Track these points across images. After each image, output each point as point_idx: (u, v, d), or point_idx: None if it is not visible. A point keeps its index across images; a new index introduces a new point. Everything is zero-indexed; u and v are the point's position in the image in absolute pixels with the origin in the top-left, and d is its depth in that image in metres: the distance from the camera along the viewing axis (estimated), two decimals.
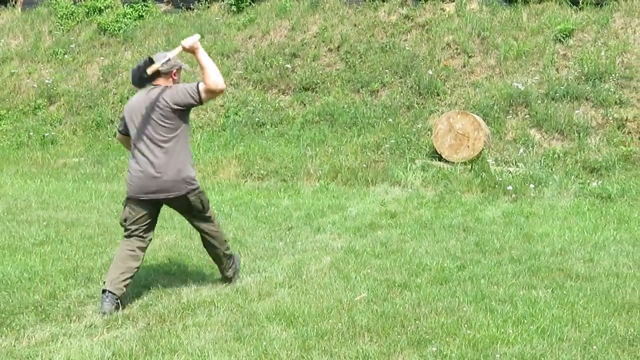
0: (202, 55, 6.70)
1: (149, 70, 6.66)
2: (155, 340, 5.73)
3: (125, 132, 7.01)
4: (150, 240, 7.04)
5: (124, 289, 6.67)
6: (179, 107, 6.66)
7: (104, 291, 6.57)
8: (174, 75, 6.90)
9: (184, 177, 6.72)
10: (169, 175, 6.66)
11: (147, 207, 6.82)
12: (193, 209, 6.91)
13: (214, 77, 6.61)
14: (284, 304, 6.58)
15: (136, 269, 6.84)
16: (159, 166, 6.65)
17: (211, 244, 7.14)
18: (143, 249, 6.94)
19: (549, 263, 7.98)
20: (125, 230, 6.90)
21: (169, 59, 6.73)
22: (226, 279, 7.35)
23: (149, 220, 6.91)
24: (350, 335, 5.77)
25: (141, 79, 6.75)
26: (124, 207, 6.90)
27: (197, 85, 6.68)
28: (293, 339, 5.70)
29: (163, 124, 6.66)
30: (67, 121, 17.83)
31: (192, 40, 6.73)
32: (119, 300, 6.57)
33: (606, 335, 5.71)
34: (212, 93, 6.72)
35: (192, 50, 6.70)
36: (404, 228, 9.87)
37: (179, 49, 6.79)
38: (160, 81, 6.79)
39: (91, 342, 5.72)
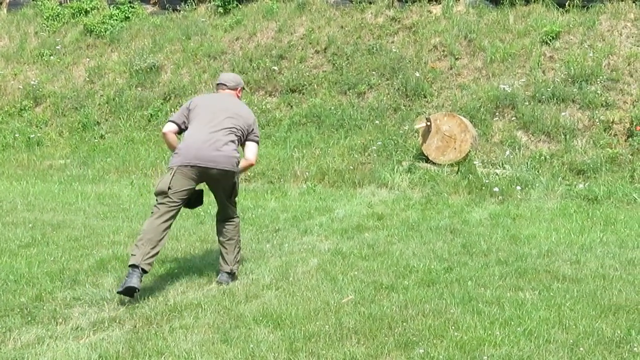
0: None
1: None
2: (142, 342, 5.71)
3: (181, 125, 7.40)
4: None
5: (151, 266, 6.94)
6: (247, 131, 7.50)
7: (133, 266, 6.75)
8: (239, 92, 7.81)
9: (237, 158, 7.31)
10: (226, 153, 7.19)
11: (194, 179, 7.17)
12: (234, 191, 7.53)
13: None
14: (271, 306, 6.57)
15: (162, 245, 7.15)
16: (221, 145, 7.18)
17: (231, 232, 7.54)
18: (171, 224, 7.20)
19: (535, 265, 7.99)
20: (164, 198, 7.06)
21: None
22: (229, 274, 7.44)
23: (186, 197, 7.20)
24: (337, 338, 5.76)
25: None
26: (171, 176, 7.07)
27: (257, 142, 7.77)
28: (280, 341, 5.68)
29: (235, 128, 7.36)
30: (53, 123, 17.76)
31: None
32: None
33: (593, 337, 5.72)
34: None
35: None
36: (391, 230, 9.87)
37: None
38: (232, 92, 7.75)
39: (77, 345, 5.70)
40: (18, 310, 6.48)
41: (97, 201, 12.14)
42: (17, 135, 17.29)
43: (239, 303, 6.72)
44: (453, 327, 5.95)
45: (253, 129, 7.57)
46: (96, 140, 16.63)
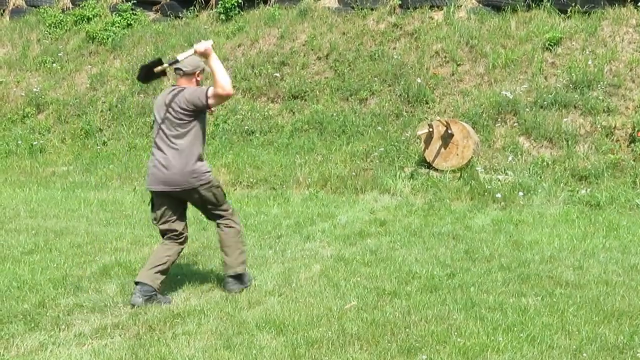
0: (214, 60, 6.97)
1: (157, 69, 7.06)
2: (144, 349, 5.72)
3: None
4: (184, 240, 7.38)
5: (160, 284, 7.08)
6: (187, 109, 6.97)
7: (136, 283, 6.97)
8: (197, 76, 7.23)
9: (190, 171, 7.03)
10: (176, 170, 7.01)
11: (164, 199, 7.16)
12: (206, 202, 7.22)
13: (222, 82, 6.89)
14: (273, 312, 6.57)
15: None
16: (167, 162, 7.04)
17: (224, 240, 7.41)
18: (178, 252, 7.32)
19: (538, 271, 7.99)
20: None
21: (176, 60, 7.06)
22: (232, 277, 7.38)
23: (172, 215, 7.22)
24: (340, 344, 5.76)
25: (147, 76, 7.19)
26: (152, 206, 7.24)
27: (207, 90, 7.00)
28: (283, 348, 5.69)
29: (175, 122, 7.02)
30: (56, 130, 17.78)
31: (206, 44, 6.99)
32: (153, 294, 6.96)
33: (596, 343, 5.72)
34: (220, 98, 7.04)
35: (204, 55, 6.96)
36: (394, 236, 9.87)
37: (190, 51, 7.04)
38: (183, 82, 7.16)
39: (80, 351, 5.71)
40: (21, 316, 6.50)
41: (100, 208, 12.14)
42: (19, 142, 17.30)
43: (242, 309, 6.73)
44: (456, 333, 5.95)
45: (197, 97, 7.00)
46: (99, 147, 16.64)
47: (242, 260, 7.40)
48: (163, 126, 7.05)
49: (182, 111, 6.97)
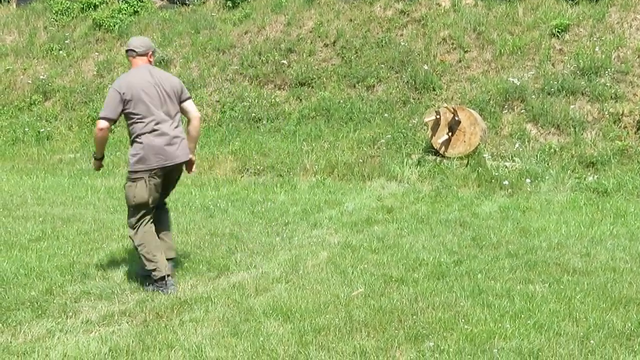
0: None
1: None
2: (152, 335, 5.72)
3: (116, 120, 7.02)
4: None
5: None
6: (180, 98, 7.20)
7: (167, 276, 6.93)
8: (150, 57, 7.20)
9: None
10: (184, 145, 7.17)
11: (162, 177, 7.06)
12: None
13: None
14: (280, 299, 6.57)
15: None
16: (180, 139, 7.09)
17: (169, 218, 7.67)
18: None
19: (545, 257, 7.98)
20: (145, 208, 7.03)
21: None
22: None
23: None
24: (347, 331, 5.76)
25: None
26: (147, 187, 6.94)
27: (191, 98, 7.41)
28: (290, 335, 5.69)
29: (178, 109, 7.22)
30: (63, 117, 17.81)
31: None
32: None
33: (603, 330, 5.71)
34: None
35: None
36: (401, 223, 9.86)
37: None
38: (144, 59, 7.15)
39: (88, 338, 5.71)
40: (28, 303, 6.51)
41: (107, 195, 12.16)
42: (27, 129, 17.34)
43: (249, 296, 6.73)
44: (463, 320, 5.95)
45: (183, 91, 7.20)
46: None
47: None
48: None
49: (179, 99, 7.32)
